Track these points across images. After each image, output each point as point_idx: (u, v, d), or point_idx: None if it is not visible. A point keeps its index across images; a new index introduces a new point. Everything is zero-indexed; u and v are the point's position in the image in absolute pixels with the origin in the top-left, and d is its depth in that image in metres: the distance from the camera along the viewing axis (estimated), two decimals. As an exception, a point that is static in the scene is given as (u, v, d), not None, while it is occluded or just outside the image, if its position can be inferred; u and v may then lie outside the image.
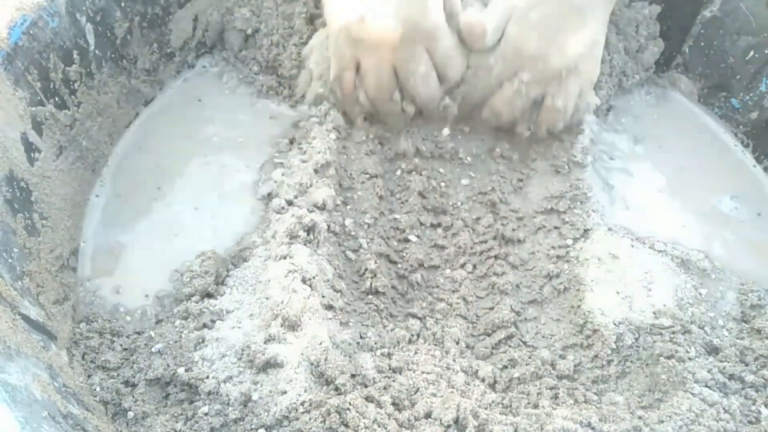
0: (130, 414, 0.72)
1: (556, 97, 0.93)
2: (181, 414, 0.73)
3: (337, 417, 0.69)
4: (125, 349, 0.78)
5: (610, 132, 1.10)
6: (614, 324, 0.83)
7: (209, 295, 0.84)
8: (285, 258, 0.83)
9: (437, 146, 1.01)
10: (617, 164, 1.06)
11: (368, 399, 0.72)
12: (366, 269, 0.87)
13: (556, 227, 0.95)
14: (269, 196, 0.94)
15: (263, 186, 0.96)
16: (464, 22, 0.92)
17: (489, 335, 0.84)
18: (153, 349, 0.77)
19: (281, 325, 0.78)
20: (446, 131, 1.00)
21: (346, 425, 0.68)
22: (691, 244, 0.96)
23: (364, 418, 0.69)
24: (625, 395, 0.78)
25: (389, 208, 0.96)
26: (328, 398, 0.71)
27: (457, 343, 0.82)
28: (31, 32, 0.81)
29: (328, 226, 0.89)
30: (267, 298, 0.81)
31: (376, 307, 0.86)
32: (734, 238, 0.97)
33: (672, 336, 0.80)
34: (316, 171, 0.93)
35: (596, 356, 0.81)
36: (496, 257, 0.91)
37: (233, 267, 0.88)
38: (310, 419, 0.69)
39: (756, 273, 0.93)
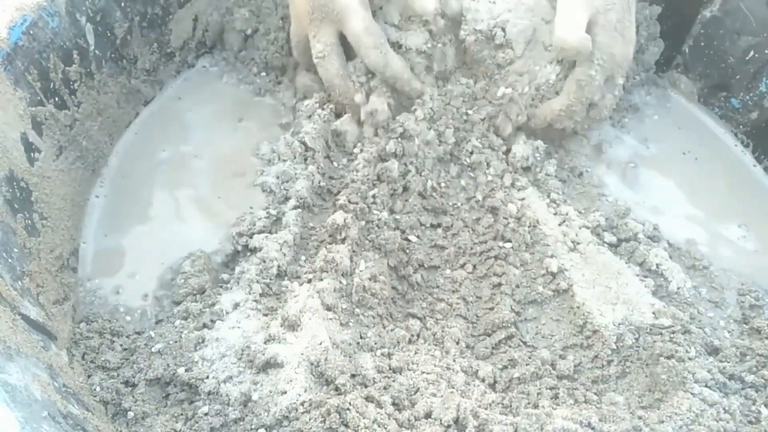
0: (130, 414, 0.72)
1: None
2: (181, 414, 0.73)
3: (337, 417, 0.69)
4: (125, 349, 0.78)
5: (614, 133, 1.10)
6: (614, 324, 0.83)
7: (207, 294, 0.84)
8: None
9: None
10: (618, 165, 1.06)
11: (368, 399, 0.72)
12: (366, 269, 0.87)
13: (556, 227, 0.95)
14: (265, 187, 0.96)
15: (261, 181, 0.97)
16: (563, 39, 0.92)
17: (489, 335, 0.84)
18: (153, 349, 0.77)
19: (281, 325, 0.78)
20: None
21: (346, 425, 0.68)
22: (691, 245, 0.96)
23: (364, 418, 0.69)
24: (625, 395, 0.78)
25: (389, 208, 0.96)
26: (328, 398, 0.71)
27: (457, 343, 0.82)
28: (31, 32, 0.81)
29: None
30: (267, 298, 0.82)
31: (376, 307, 0.86)
32: (735, 240, 0.97)
33: (672, 336, 0.80)
34: None
35: (596, 356, 0.81)
36: (496, 257, 0.91)
37: (232, 268, 0.88)
38: (310, 419, 0.69)
39: (756, 273, 0.93)
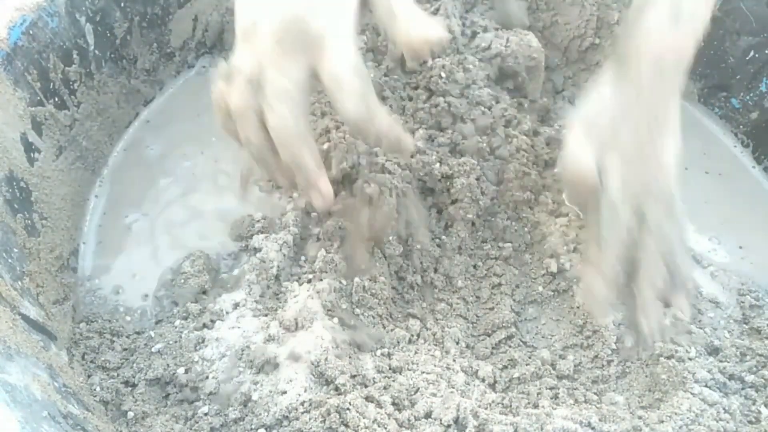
0: (130, 414, 0.72)
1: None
2: (181, 414, 0.73)
3: (337, 417, 0.69)
4: (125, 349, 0.78)
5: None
6: (614, 324, 0.83)
7: (207, 294, 0.84)
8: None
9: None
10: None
11: (368, 399, 0.72)
12: (366, 269, 0.87)
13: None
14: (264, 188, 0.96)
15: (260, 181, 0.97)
16: (566, 170, 0.77)
17: (489, 335, 0.84)
18: (153, 349, 0.77)
19: (281, 325, 0.78)
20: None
21: (346, 425, 0.68)
22: (692, 245, 0.96)
23: (364, 418, 0.69)
24: (625, 395, 0.78)
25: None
26: (328, 398, 0.71)
27: (457, 343, 0.82)
28: (31, 32, 0.81)
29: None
30: (266, 299, 0.82)
31: (376, 307, 0.85)
32: (735, 240, 0.97)
33: (672, 336, 0.80)
34: None
35: (596, 356, 0.81)
36: (496, 257, 0.91)
37: (232, 269, 0.88)
38: (310, 419, 0.69)
39: (756, 273, 0.93)
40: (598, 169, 0.75)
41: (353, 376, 0.75)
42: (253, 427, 0.70)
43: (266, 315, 0.81)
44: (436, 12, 0.99)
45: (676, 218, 0.74)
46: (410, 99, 0.98)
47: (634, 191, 0.73)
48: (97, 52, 0.94)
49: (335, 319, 0.80)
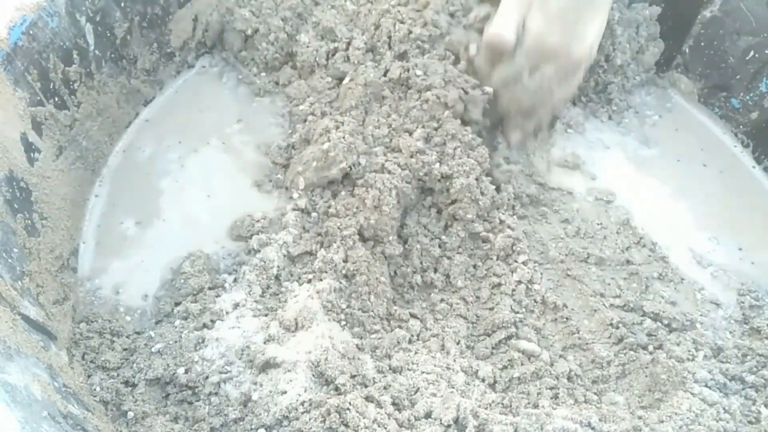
0: (130, 414, 0.72)
1: (569, 86, 0.95)
2: (181, 414, 0.73)
3: (337, 417, 0.69)
4: (125, 349, 0.78)
5: (614, 134, 1.10)
6: (613, 326, 0.83)
7: (207, 294, 0.84)
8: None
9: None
10: (619, 165, 1.06)
11: (368, 399, 0.72)
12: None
13: (556, 227, 0.95)
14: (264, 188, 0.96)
15: (260, 182, 0.98)
16: (487, 36, 0.93)
17: (489, 335, 0.84)
18: (153, 349, 0.77)
19: (281, 326, 0.78)
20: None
21: (346, 425, 0.68)
22: (691, 245, 0.96)
23: (364, 418, 0.69)
24: (625, 395, 0.78)
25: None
26: (328, 398, 0.71)
27: (458, 343, 0.82)
28: (31, 32, 0.81)
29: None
30: (266, 299, 0.82)
31: (376, 307, 0.85)
32: (735, 240, 0.97)
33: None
34: None
35: (596, 356, 0.81)
36: (496, 257, 0.91)
37: (232, 269, 0.88)
38: (310, 419, 0.69)
39: (756, 273, 0.93)
40: (518, 33, 0.92)
41: (353, 376, 0.75)
42: (253, 427, 0.70)
43: (266, 315, 0.81)
44: (425, 6, 1.01)
45: (567, 85, 0.94)
46: (405, 99, 0.99)
47: (544, 48, 0.90)
48: (97, 52, 0.94)
49: (335, 320, 0.80)
